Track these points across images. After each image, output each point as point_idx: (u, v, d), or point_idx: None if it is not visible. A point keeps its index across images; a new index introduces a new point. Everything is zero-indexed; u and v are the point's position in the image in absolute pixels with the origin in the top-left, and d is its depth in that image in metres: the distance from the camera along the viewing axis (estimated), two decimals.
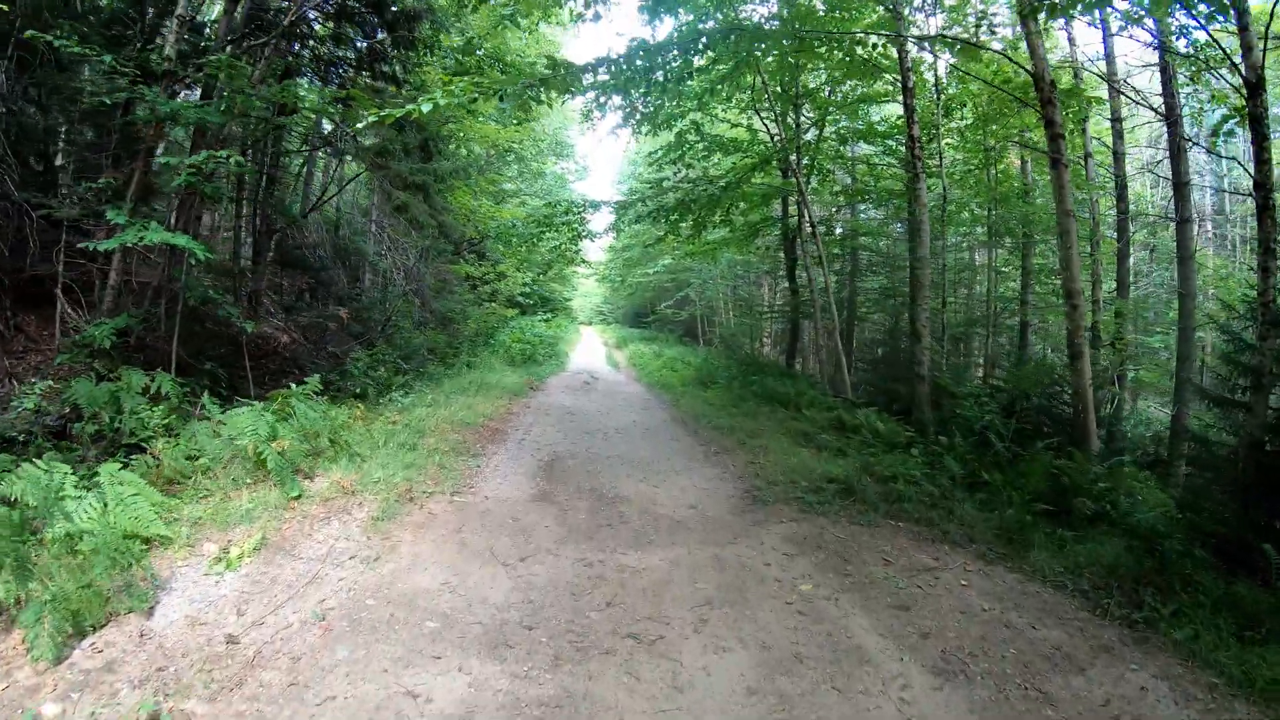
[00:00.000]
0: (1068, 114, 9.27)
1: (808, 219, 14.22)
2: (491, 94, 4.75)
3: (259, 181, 9.56)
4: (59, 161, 7.17)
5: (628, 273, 29.01)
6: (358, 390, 8.72)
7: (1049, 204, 10.43)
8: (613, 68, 4.98)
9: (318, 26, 8.72)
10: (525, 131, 15.48)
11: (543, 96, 4.88)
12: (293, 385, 6.59)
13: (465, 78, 5.63)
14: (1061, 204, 6.62)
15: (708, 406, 10.29)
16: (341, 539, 4.05)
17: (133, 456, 4.69)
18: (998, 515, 4.99)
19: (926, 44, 8.86)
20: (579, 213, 11.26)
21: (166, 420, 5.11)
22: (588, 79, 5.05)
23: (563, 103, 14.07)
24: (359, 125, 6.73)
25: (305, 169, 12.03)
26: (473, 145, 14.61)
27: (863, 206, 20.24)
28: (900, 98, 10.46)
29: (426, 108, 4.49)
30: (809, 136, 13.16)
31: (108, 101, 5.59)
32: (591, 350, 23.18)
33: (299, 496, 4.59)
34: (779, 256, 22.50)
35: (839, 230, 18.22)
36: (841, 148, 15.27)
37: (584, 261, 13.09)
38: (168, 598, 3.17)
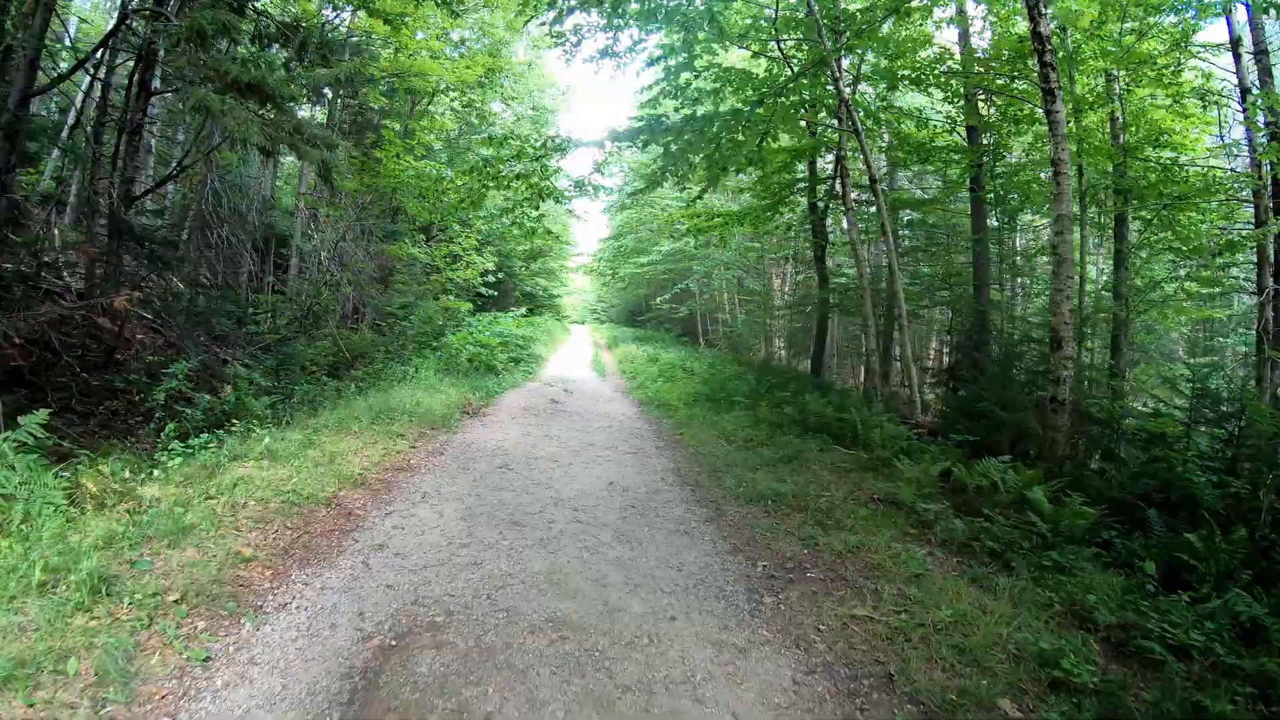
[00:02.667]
0: None
1: (850, 180, 10.72)
2: None
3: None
4: None
5: (619, 264, 25.44)
6: (136, 431, 5.20)
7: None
8: None
9: None
10: (479, 68, 11.85)
11: None
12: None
13: None
14: None
15: (729, 446, 6.73)
16: None
17: None
18: None
19: None
20: (538, 157, 7.64)
21: None
22: None
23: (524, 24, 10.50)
24: None
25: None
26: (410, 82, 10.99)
27: (903, 175, 16.74)
28: None
29: None
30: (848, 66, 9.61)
31: None
32: (576, 353, 19.54)
33: None
34: (798, 240, 19.01)
35: (872, 206, 14.66)
36: (889, 94, 11.79)
37: (548, 234, 9.55)
38: None
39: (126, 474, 4.58)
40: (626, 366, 15.22)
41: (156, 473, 4.70)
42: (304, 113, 14.56)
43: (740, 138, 6.40)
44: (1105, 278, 12.75)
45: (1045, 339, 11.67)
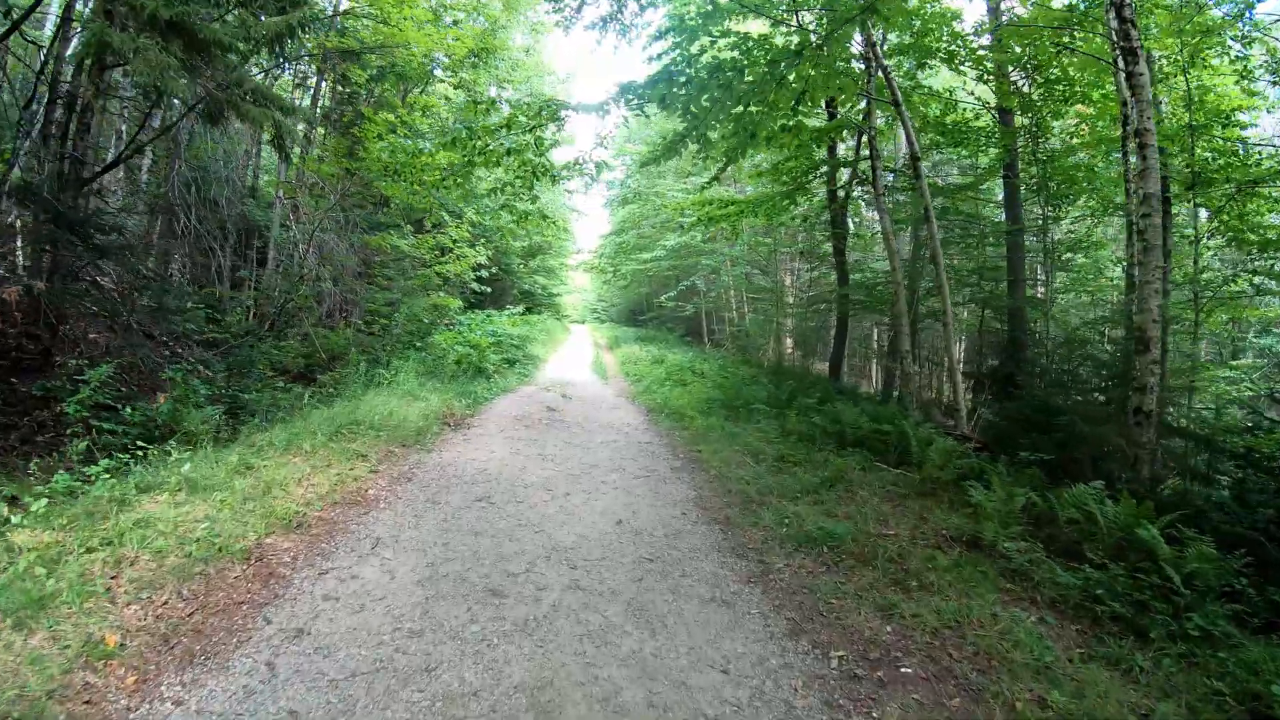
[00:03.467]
0: None
1: (881, 161, 9.66)
2: None
3: None
4: None
5: (620, 261, 24.29)
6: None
7: None
8: None
9: None
10: (469, 41, 10.73)
11: None
12: None
13: None
14: None
15: (757, 466, 5.62)
16: None
17: None
18: None
19: None
20: (531, 128, 6.53)
21: None
22: None
23: None
24: None
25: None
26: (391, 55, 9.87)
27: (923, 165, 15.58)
28: None
29: None
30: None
31: None
32: (576, 353, 18.41)
33: None
34: (813, 233, 17.92)
35: (898, 194, 13.53)
36: (917, 73, 10.77)
37: (544, 220, 8.43)
38: None
39: (4, 511, 3.52)
40: (630, 369, 14.11)
41: (38, 507, 3.62)
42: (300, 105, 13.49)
43: (773, 98, 5.27)
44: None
45: (1090, 338, 10.58)
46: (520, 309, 16.51)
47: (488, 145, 6.65)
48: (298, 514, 3.92)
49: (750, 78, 4.84)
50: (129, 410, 5.24)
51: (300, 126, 7.71)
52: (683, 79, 4.53)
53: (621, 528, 4.00)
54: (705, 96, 4.76)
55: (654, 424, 7.79)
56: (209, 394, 5.92)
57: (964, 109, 11.20)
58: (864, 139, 12.25)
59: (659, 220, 22.80)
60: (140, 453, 4.76)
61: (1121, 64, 6.16)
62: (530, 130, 6.62)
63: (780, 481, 5.20)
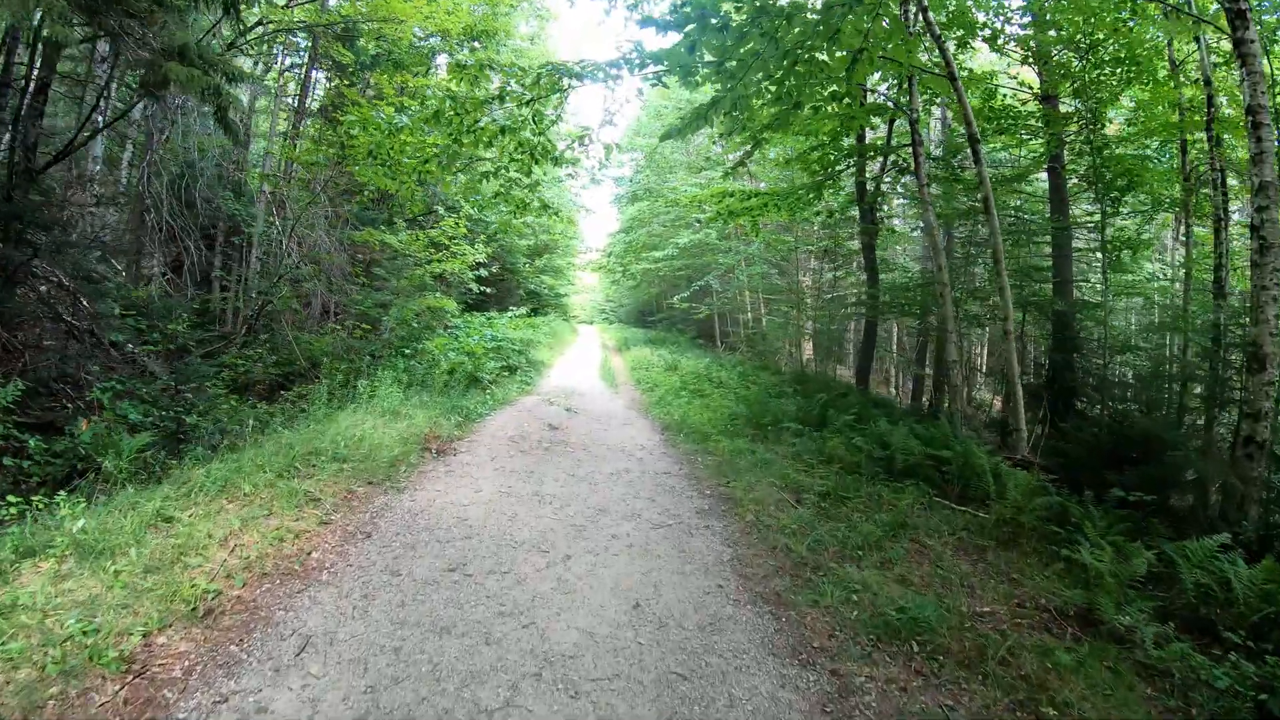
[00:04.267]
0: None
1: (923, 148, 8.66)
2: None
3: None
4: None
5: (629, 260, 23.29)
6: None
7: None
8: None
9: None
10: (464, 15, 9.72)
11: None
12: None
13: None
14: None
15: (801, 508, 4.57)
16: None
17: None
18: None
19: None
20: (528, 100, 5.52)
21: None
22: None
23: None
24: None
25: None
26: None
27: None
28: None
29: None
30: None
31: None
32: (583, 356, 17.38)
33: None
34: (837, 229, 16.88)
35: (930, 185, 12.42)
36: (959, 54, 9.77)
37: (544, 209, 7.39)
38: None
39: None
40: (641, 375, 13.08)
41: None
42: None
43: (826, 55, 4.24)
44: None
45: (1141, 346, 9.49)
46: (523, 310, 15.51)
47: (477, 122, 5.64)
48: (209, 595, 2.94)
49: (798, 29, 3.81)
50: (33, 441, 4.29)
51: (266, 106, 6.72)
52: (716, 22, 3.50)
53: (640, 616, 2.98)
54: (744, 48, 3.74)
55: (671, 446, 6.76)
56: (141, 418, 4.96)
57: (1003, 95, 10.19)
58: (894, 125, 11.23)
59: (670, 218, 21.75)
60: (47, 497, 3.82)
61: (1228, 30, 5.12)
62: (528, 104, 5.61)
63: (833, 531, 4.17)
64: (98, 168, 11.93)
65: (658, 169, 23.44)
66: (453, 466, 5.28)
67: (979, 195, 7.85)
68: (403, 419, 6.43)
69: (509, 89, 5.34)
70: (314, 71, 13.33)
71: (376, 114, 5.75)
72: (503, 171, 6.08)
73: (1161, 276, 13.00)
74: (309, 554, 3.59)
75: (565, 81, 5.43)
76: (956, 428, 7.37)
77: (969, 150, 9.68)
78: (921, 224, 11.99)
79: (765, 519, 4.42)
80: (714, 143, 22.43)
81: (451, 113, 5.32)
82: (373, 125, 5.69)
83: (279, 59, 13.83)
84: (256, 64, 12.65)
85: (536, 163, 6.06)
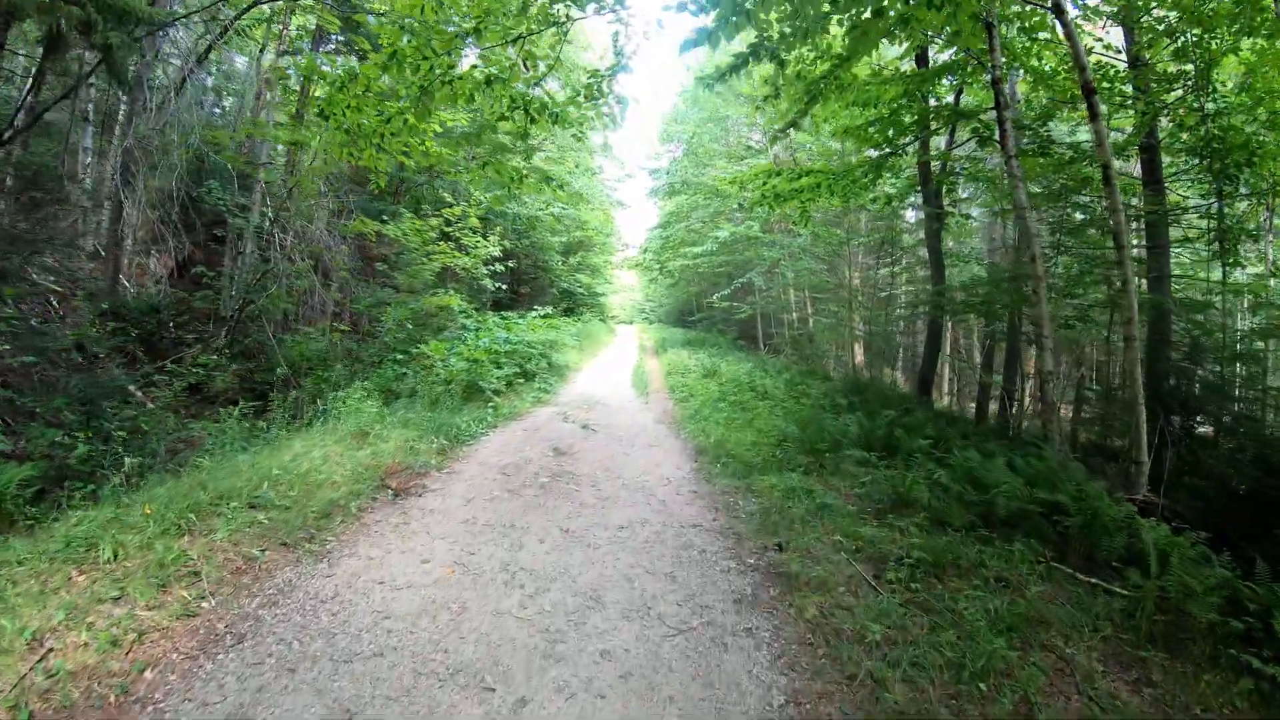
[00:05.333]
0: None
1: (1009, 113, 7.12)
2: None
3: None
4: None
5: (667, 257, 21.91)
6: None
7: None
8: None
9: None
10: None
11: None
12: None
13: None
14: None
15: (883, 595, 3.09)
16: None
17: None
18: None
19: None
20: (515, 39, 4.19)
21: None
22: None
23: None
24: None
25: None
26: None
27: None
28: None
29: None
30: None
31: None
32: (616, 360, 16.02)
33: None
34: (893, 219, 15.16)
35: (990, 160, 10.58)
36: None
37: (545, 183, 6.07)
38: None
39: None
40: (676, 381, 11.66)
41: None
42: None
43: None
44: None
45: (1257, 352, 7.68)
46: (548, 310, 14.27)
47: (452, 68, 4.34)
48: None
49: None
50: None
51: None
52: None
53: None
54: None
55: (705, 480, 5.33)
56: (10, 447, 3.83)
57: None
58: (960, 98, 9.55)
59: (709, 211, 20.28)
60: None
61: None
62: (514, 43, 4.28)
63: (934, 639, 2.71)
64: (89, 160, 11.23)
65: (696, 160, 21.99)
66: (409, 516, 3.98)
67: (1099, 163, 6.17)
68: (369, 444, 5.19)
69: (489, 23, 4.02)
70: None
71: (324, 65, 4.53)
72: (488, 133, 4.78)
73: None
74: (143, 671, 2.34)
75: (559, 9, 4.08)
76: (1055, 451, 5.83)
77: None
78: (1002, 207, 10.21)
79: (834, 614, 2.97)
80: (751, 125, 20.92)
81: (413, 52, 4.05)
82: (316, 73, 4.45)
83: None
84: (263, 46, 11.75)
85: (534, 121, 4.74)
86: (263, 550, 3.40)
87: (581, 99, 4.61)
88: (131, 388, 7.38)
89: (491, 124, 4.75)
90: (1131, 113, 8.08)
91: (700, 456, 6.22)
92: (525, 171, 5.24)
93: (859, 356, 16.13)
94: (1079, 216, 9.07)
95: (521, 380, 9.37)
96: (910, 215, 16.47)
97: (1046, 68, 8.10)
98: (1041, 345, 7.17)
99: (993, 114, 7.57)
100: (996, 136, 8.46)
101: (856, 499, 4.96)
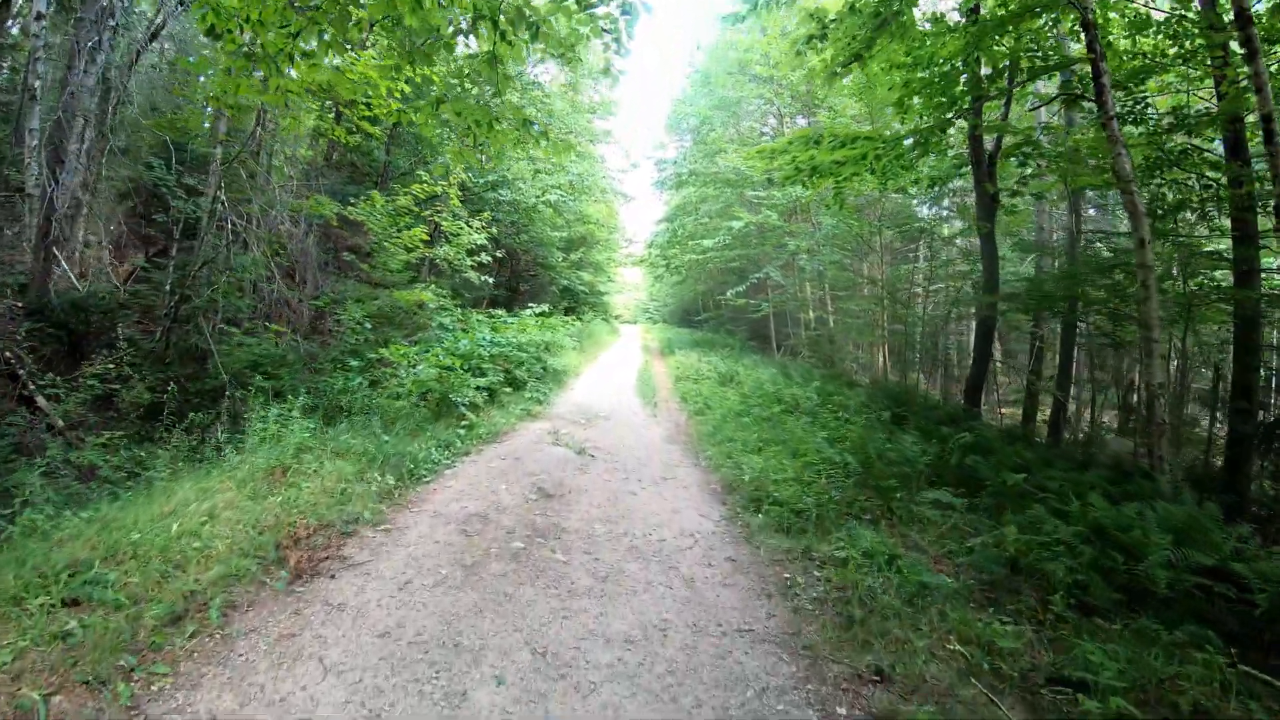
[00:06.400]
0: None
1: (1106, 66, 5.75)
2: None
3: None
4: None
5: (674, 253, 20.50)
6: None
7: None
8: None
9: None
10: None
11: None
12: None
13: None
14: None
15: None
16: None
17: None
18: None
19: None
20: None
21: None
22: None
23: None
24: None
25: None
26: None
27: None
28: None
29: None
30: None
31: None
32: (620, 362, 14.58)
33: None
34: (936, 205, 13.77)
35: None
36: None
37: (526, 123, 4.73)
38: None
39: None
40: (688, 388, 10.24)
41: None
42: None
43: None
44: None
45: None
46: (543, 307, 12.83)
47: None
48: None
49: None
50: None
51: None
52: None
53: None
54: None
55: (744, 541, 3.90)
56: None
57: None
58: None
59: (721, 202, 18.86)
60: None
61: None
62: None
63: None
64: (35, 142, 9.81)
65: (706, 149, 20.56)
66: (303, 620, 2.57)
67: (1260, 109, 4.71)
68: (286, 485, 3.78)
69: None
70: None
71: None
72: (463, 81, 3.35)
73: None
74: None
75: None
76: (1165, 484, 4.51)
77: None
78: (1068, 188, 8.73)
79: None
80: (765, 111, 19.50)
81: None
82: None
83: None
84: None
85: (507, 40, 3.34)
86: (47, 695, 2.02)
87: (570, 1, 3.21)
88: (40, 400, 6.03)
89: (447, 40, 3.35)
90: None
91: (730, 495, 4.80)
92: (496, 113, 3.83)
93: (884, 359, 14.69)
94: (1170, 197, 7.62)
95: (508, 390, 7.96)
96: (928, 207, 15.03)
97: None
98: (1150, 351, 5.71)
99: (1092, 65, 6.11)
100: (1083, 96, 7.03)
101: (948, 561, 3.58)
